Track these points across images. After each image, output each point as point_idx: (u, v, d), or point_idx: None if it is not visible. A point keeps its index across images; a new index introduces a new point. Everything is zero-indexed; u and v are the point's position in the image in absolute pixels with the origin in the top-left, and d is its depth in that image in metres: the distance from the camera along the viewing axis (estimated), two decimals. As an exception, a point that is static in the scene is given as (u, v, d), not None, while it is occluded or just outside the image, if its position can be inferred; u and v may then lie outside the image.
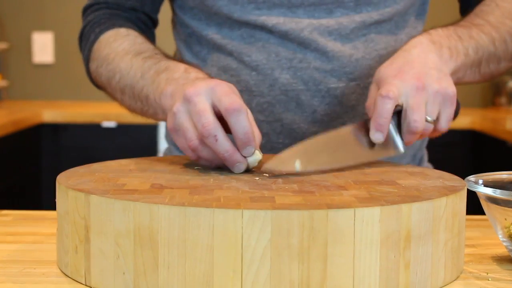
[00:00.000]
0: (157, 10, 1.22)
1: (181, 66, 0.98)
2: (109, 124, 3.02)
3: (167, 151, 1.28)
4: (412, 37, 1.14)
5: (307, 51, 1.10)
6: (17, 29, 3.49)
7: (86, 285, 0.75)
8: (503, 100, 3.34)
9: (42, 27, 3.47)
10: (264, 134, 1.12)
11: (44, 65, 3.51)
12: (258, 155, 0.87)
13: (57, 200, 0.81)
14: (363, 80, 1.11)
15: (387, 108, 0.91)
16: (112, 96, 1.13)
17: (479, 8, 1.13)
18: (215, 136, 0.85)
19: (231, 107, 0.85)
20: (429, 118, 0.93)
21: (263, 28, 1.11)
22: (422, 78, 0.93)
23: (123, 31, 1.13)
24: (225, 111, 0.85)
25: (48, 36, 3.47)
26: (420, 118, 0.92)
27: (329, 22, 1.10)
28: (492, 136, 2.74)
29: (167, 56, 1.05)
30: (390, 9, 1.13)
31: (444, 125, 0.95)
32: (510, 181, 0.89)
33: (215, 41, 1.14)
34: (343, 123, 1.10)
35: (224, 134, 0.85)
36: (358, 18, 1.11)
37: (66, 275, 0.78)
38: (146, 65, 1.02)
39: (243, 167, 0.87)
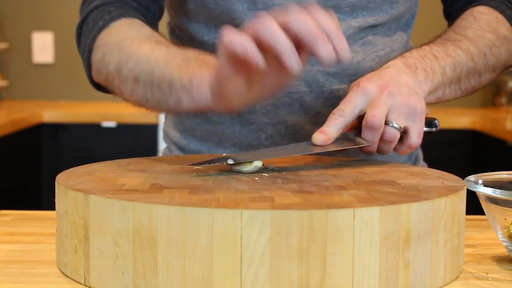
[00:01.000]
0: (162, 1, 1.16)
1: (210, 57, 0.94)
2: (109, 124, 3.02)
3: (166, 150, 1.28)
4: (403, 38, 1.15)
5: (309, 56, 1.10)
6: (17, 29, 3.49)
7: (85, 285, 0.75)
8: (503, 100, 3.34)
9: (42, 27, 3.47)
10: (268, 136, 1.13)
11: (44, 65, 3.51)
12: (258, 163, 0.88)
13: (56, 200, 0.81)
14: None
15: (334, 123, 0.95)
16: (118, 89, 1.02)
17: (457, 23, 1.14)
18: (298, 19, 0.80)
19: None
20: (395, 125, 0.95)
21: None
22: (389, 87, 0.96)
23: (138, 21, 1.06)
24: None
25: (48, 36, 3.47)
26: (378, 114, 0.94)
27: None
28: (492, 136, 2.74)
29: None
30: (385, 14, 1.14)
31: (415, 140, 0.97)
32: (510, 181, 0.89)
33: (216, 45, 1.11)
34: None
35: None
36: (354, 23, 1.12)
37: (65, 275, 0.78)
38: (171, 52, 0.96)
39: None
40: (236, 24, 1.10)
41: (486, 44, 1.11)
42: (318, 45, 0.80)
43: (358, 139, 0.97)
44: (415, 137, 0.96)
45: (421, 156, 1.29)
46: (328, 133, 0.95)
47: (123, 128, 3.02)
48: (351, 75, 1.11)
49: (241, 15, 1.10)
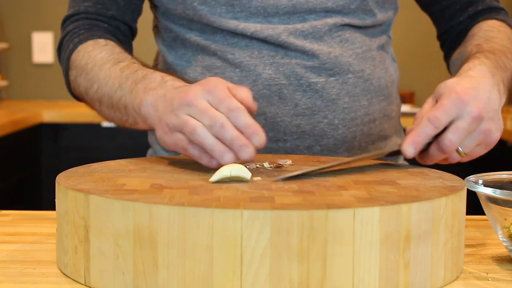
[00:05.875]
0: (136, 19, 1.25)
1: (158, 75, 1.01)
2: (109, 124, 3.01)
3: (151, 152, 1.29)
4: (381, 39, 1.19)
5: (288, 51, 1.15)
6: (17, 29, 3.49)
7: (85, 285, 0.75)
8: (503, 100, 3.33)
9: (42, 27, 3.47)
10: None
11: (44, 65, 3.50)
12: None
13: (56, 200, 0.81)
14: (342, 76, 1.15)
15: (427, 132, 0.91)
16: (91, 106, 1.16)
17: (484, 34, 1.15)
18: (222, 123, 0.86)
19: (230, 107, 0.87)
20: (460, 149, 0.92)
21: (242, 34, 1.15)
22: (483, 113, 0.92)
23: (101, 41, 1.16)
24: (226, 113, 0.87)
25: (48, 36, 3.47)
26: (456, 142, 0.91)
27: (303, 26, 1.15)
28: (492, 136, 2.74)
29: (144, 65, 1.09)
30: (359, 19, 1.17)
31: (464, 159, 0.95)
32: (510, 181, 0.89)
33: (199, 42, 1.18)
34: (325, 117, 1.15)
35: (230, 123, 0.86)
36: (330, 20, 1.16)
37: (65, 275, 0.78)
38: (124, 75, 1.05)
39: (249, 150, 0.85)
40: (215, 26, 1.15)
41: None
42: (241, 153, 0.86)
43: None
44: (466, 157, 0.94)
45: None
46: (420, 146, 0.91)
47: (123, 128, 3.01)
48: (328, 69, 1.14)
49: (219, 17, 1.15)
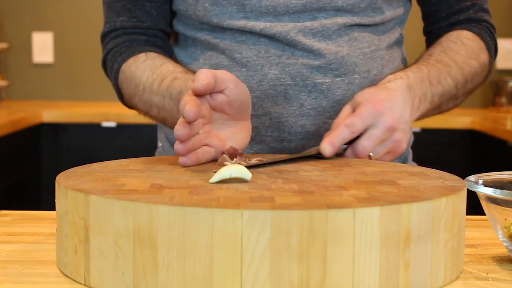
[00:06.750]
0: (169, 23, 1.26)
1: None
2: (109, 124, 3.02)
3: (160, 149, 1.31)
4: (390, 39, 1.22)
5: (295, 50, 1.16)
6: (17, 29, 3.49)
7: (85, 285, 0.75)
8: (503, 100, 3.33)
9: (42, 27, 3.47)
10: (253, 128, 1.16)
11: (44, 65, 3.51)
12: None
13: (56, 200, 0.80)
14: (348, 76, 1.16)
15: (344, 136, 1.01)
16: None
17: (447, 45, 1.20)
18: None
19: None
20: (371, 154, 1.02)
21: (251, 32, 1.16)
22: (396, 124, 1.02)
23: (141, 56, 1.19)
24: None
25: (48, 36, 3.47)
26: (369, 148, 1.01)
27: (313, 24, 1.16)
28: (492, 136, 2.74)
29: (184, 71, 1.13)
30: (369, 18, 1.19)
31: (367, 157, 1.03)
32: (510, 181, 0.89)
33: (208, 41, 1.19)
34: (330, 117, 1.16)
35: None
36: (340, 20, 1.17)
37: (65, 275, 0.78)
38: (174, 94, 1.09)
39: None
40: (225, 26, 1.16)
41: (470, 72, 1.19)
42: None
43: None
44: (369, 156, 1.02)
45: (410, 156, 1.32)
46: (336, 146, 1.00)
47: (123, 128, 3.02)
48: (335, 69, 1.15)
49: (230, 17, 1.16)
